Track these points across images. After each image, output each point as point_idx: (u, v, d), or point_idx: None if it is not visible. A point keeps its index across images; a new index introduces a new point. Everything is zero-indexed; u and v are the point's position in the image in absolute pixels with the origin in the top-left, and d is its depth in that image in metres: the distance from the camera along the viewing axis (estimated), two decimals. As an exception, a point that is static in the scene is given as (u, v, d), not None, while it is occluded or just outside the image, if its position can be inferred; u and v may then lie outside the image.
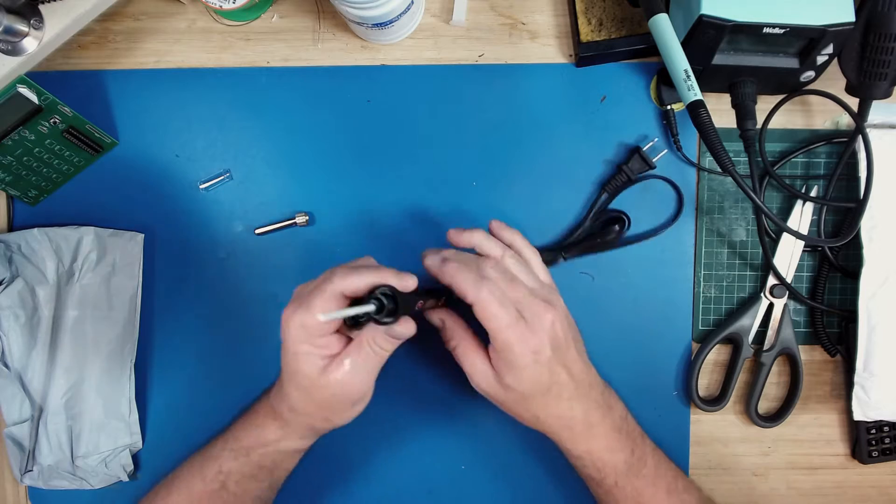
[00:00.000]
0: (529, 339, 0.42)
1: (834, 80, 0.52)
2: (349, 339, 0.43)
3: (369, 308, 0.39)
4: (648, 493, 0.47)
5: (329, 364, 0.42)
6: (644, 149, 0.55)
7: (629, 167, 0.55)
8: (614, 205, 0.56)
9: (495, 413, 0.56)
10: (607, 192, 0.55)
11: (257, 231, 0.56)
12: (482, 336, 0.45)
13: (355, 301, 0.41)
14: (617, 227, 0.55)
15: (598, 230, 0.55)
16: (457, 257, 0.44)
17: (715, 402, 0.56)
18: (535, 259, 0.47)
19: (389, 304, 0.40)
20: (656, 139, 0.55)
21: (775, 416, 0.57)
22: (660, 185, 0.56)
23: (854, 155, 0.54)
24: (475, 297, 0.41)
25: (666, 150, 0.55)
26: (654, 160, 0.55)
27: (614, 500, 0.47)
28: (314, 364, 0.41)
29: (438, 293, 0.46)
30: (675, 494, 0.47)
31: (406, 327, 0.42)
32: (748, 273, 0.57)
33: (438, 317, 0.47)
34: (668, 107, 0.55)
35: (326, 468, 0.57)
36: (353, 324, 0.42)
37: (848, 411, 0.56)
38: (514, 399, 0.44)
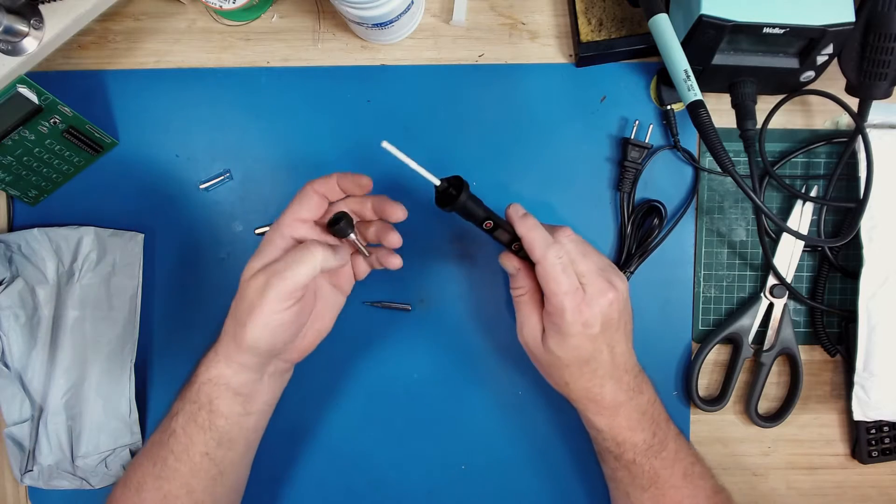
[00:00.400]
0: (584, 310, 0.43)
1: (834, 80, 0.52)
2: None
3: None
4: (665, 475, 0.47)
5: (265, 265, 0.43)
6: (632, 136, 0.55)
7: (631, 160, 0.55)
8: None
9: (495, 414, 0.57)
10: (625, 192, 0.55)
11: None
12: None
13: (333, 224, 0.45)
14: (656, 219, 0.55)
15: (641, 228, 0.56)
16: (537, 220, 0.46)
17: (715, 402, 0.56)
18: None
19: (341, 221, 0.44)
20: (637, 120, 0.55)
21: (775, 416, 0.57)
22: (657, 168, 0.56)
23: (854, 155, 0.54)
24: (541, 257, 0.43)
25: (652, 124, 0.56)
26: (646, 140, 0.55)
27: (631, 476, 0.48)
28: (258, 263, 0.44)
29: (511, 232, 0.46)
30: (691, 479, 0.48)
31: (332, 256, 0.43)
32: (748, 273, 0.57)
33: (514, 265, 0.48)
34: (668, 107, 0.55)
35: (327, 468, 0.57)
36: (334, 231, 0.45)
37: (848, 411, 0.56)
38: (550, 361, 0.46)
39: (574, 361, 0.45)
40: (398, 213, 0.46)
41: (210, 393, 0.45)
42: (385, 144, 0.42)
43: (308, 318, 0.46)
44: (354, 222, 0.46)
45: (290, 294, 0.42)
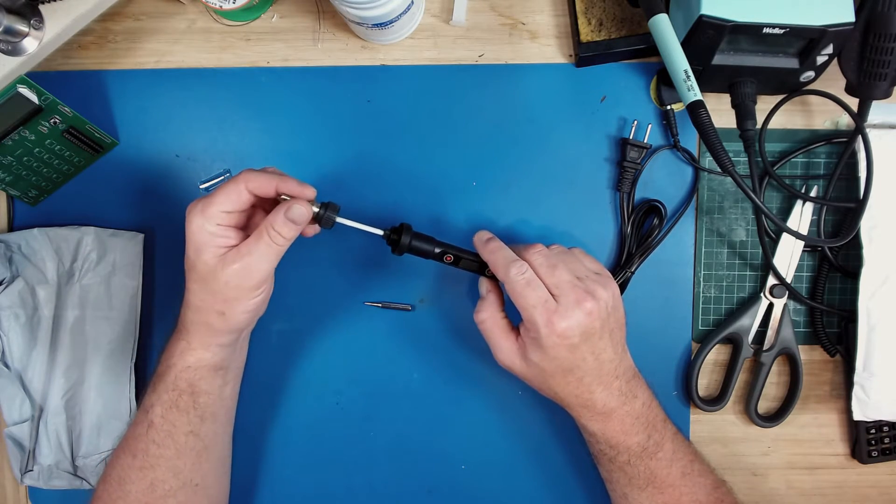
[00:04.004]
0: (557, 322, 0.43)
1: (834, 80, 0.52)
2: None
3: (315, 209, 0.45)
4: (662, 475, 0.48)
5: (227, 253, 0.43)
6: (630, 136, 0.55)
7: (630, 160, 0.55)
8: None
9: (495, 413, 0.57)
10: (625, 192, 0.55)
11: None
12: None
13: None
14: (656, 219, 0.55)
15: (641, 228, 0.56)
16: (503, 243, 0.48)
17: (715, 402, 0.56)
18: (578, 251, 0.49)
19: (329, 213, 0.46)
20: (636, 121, 0.55)
21: (775, 416, 0.57)
22: (657, 168, 0.56)
23: (854, 155, 0.54)
24: (504, 275, 0.45)
25: (651, 124, 0.56)
26: (645, 140, 0.55)
27: (627, 477, 0.48)
28: (213, 253, 0.43)
29: (479, 259, 0.49)
30: (690, 477, 0.48)
31: (304, 207, 0.43)
32: (748, 273, 0.57)
33: (485, 287, 0.50)
34: (668, 107, 0.55)
35: (327, 467, 0.57)
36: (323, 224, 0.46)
37: (848, 411, 0.56)
38: (535, 373, 0.47)
39: (557, 371, 0.45)
40: (308, 193, 0.45)
41: (191, 378, 0.46)
42: (339, 220, 0.46)
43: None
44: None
45: (264, 281, 0.44)
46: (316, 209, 0.45)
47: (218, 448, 0.50)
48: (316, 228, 0.48)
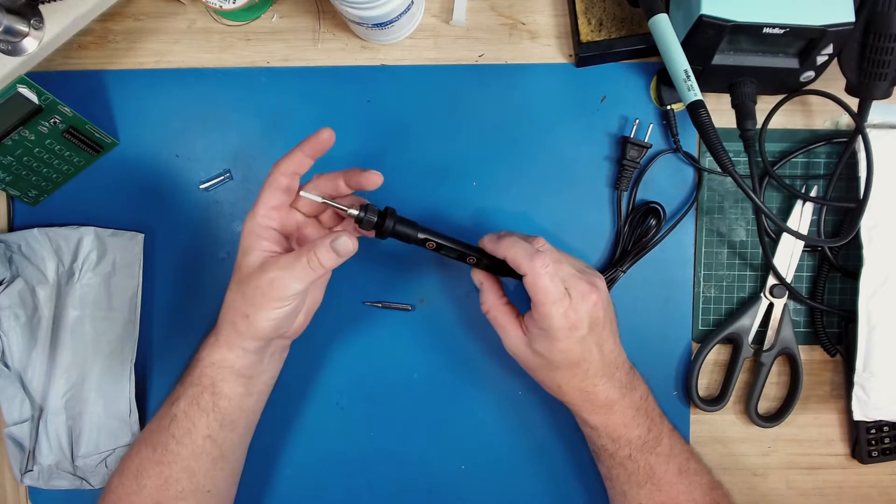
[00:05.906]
0: (570, 315, 0.44)
1: (834, 80, 0.52)
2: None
3: (354, 212, 0.45)
4: (661, 470, 0.48)
5: (269, 259, 0.44)
6: (631, 135, 0.55)
7: (629, 158, 0.55)
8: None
9: (495, 414, 0.57)
10: (624, 190, 0.56)
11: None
12: (517, 297, 0.47)
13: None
14: (653, 220, 0.55)
15: (638, 228, 0.56)
16: (513, 234, 0.48)
17: (715, 402, 0.56)
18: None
19: (369, 215, 0.45)
20: (637, 120, 0.55)
21: (775, 416, 0.57)
22: (658, 169, 0.56)
23: (854, 155, 0.54)
24: (528, 268, 0.44)
25: (652, 124, 0.56)
26: (645, 140, 0.55)
27: (627, 473, 0.48)
28: (257, 256, 0.44)
29: (461, 249, 0.49)
30: (686, 475, 0.48)
31: (350, 241, 0.43)
32: (748, 273, 0.57)
33: (478, 278, 0.50)
34: (668, 107, 0.55)
35: (327, 467, 0.57)
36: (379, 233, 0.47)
37: (848, 411, 0.56)
38: (541, 365, 0.47)
39: (564, 363, 0.46)
40: (375, 179, 0.46)
41: (213, 376, 0.46)
42: (303, 193, 0.45)
43: (307, 301, 0.49)
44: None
45: (290, 297, 0.44)
46: (355, 212, 0.45)
47: (234, 458, 0.50)
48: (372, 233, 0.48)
